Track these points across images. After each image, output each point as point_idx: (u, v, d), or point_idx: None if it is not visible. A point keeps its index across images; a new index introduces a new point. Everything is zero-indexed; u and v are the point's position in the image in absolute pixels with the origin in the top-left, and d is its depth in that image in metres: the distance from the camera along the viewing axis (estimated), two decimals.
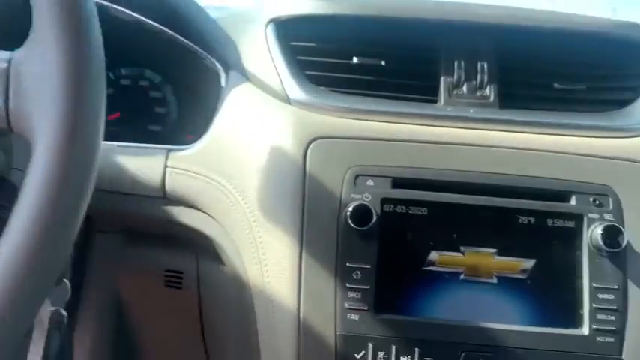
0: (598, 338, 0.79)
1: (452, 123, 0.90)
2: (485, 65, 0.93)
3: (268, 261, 0.84)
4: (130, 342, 1.09)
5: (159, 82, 1.18)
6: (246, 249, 0.87)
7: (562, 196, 0.84)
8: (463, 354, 0.79)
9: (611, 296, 0.80)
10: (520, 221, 0.83)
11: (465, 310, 0.82)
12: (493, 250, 0.83)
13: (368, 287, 0.81)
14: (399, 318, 0.80)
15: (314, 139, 0.86)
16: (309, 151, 0.86)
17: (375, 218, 0.81)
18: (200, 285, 0.98)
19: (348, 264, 0.81)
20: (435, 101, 0.93)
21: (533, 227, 0.83)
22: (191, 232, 0.95)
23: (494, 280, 0.82)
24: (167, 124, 1.18)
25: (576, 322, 0.81)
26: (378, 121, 0.89)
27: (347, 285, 0.81)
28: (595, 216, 0.82)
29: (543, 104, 0.93)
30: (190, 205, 0.94)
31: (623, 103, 0.94)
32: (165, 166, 0.93)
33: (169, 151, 0.94)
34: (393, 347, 0.79)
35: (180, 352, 1.10)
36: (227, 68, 1.00)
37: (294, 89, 0.92)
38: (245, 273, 0.88)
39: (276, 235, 0.84)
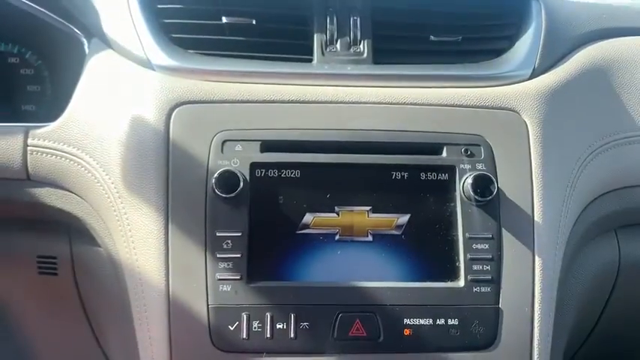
0: (474, 289, 0.79)
1: (325, 81, 0.87)
2: (359, 20, 0.90)
3: (135, 237, 0.79)
4: (13, 339, 1.02)
5: (29, 58, 1.10)
6: (114, 227, 0.82)
7: (434, 149, 0.83)
8: (340, 315, 0.77)
9: (486, 246, 0.80)
10: (394, 177, 0.82)
11: (340, 271, 0.79)
12: (367, 208, 0.81)
13: (239, 256, 0.77)
14: (273, 285, 0.78)
15: (177, 105, 0.82)
16: (172, 118, 0.81)
17: (242, 184, 0.77)
18: (75, 269, 0.92)
19: (217, 233, 0.78)
20: (310, 60, 0.90)
21: (407, 182, 0.81)
22: (60, 214, 0.89)
23: (370, 239, 0.80)
24: (43, 103, 1.10)
25: (453, 275, 0.80)
26: (248, 83, 0.85)
27: (217, 255, 0.77)
28: (467, 166, 0.81)
29: (419, 58, 0.91)
30: (57, 186, 0.88)
31: (500, 53, 0.93)
32: (26, 145, 0.86)
33: (29, 129, 0.87)
34: (268, 315, 0.76)
35: (69, 341, 1.04)
36: (89, 36, 0.93)
37: (158, 54, 0.86)
38: (117, 253, 0.83)
39: (141, 209, 0.79)
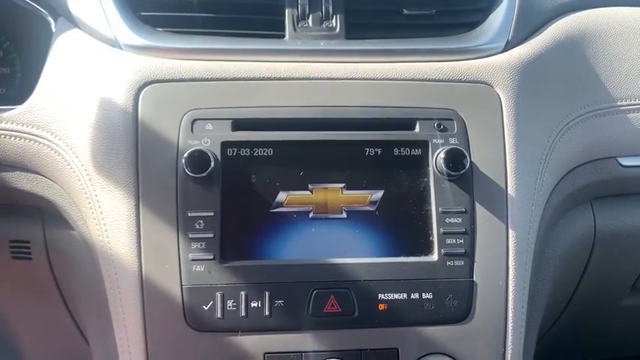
0: (448, 263, 0.79)
1: (298, 57, 0.85)
2: None
3: (107, 220, 0.78)
4: None
5: None
6: (85, 209, 0.81)
7: (407, 124, 0.82)
8: (315, 292, 0.77)
9: (459, 220, 0.80)
10: (367, 153, 0.81)
11: (315, 248, 0.79)
12: (341, 185, 0.80)
13: (212, 236, 0.77)
14: (246, 264, 0.77)
15: (146, 84, 0.80)
16: (140, 97, 0.80)
17: (213, 164, 0.76)
18: (50, 253, 0.92)
19: (189, 213, 0.77)
20: (282, 36, 0.88)
21: (380, 158, 0.81)
22: (32, 198, 0.88)
23: (344, 215, 0.80)
24: (13, 85, 1.08)
25: (426, 249, 0.80)
26: (218, 61, 0.83)
27: (190, 235, 0.77)
28: (439, 141, 0.81)
29: (392, 32, 0.90)
30: (27, 169, 0.86)
31: (474, 26, 0.92)
32: None
33: None
34: (242, 294, 0.76)
35: (47, 325, 1.04)
36: (55, 15, 0.91)
37: (125, 33, 0.84)
38: (90, 235, 0.82)
39: (111, 191, 0.78)
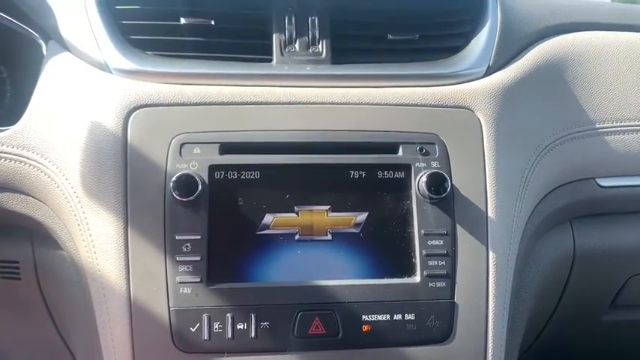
0: (430, 284, 0.81)
1: (285, 82, 0.87)
2: (317, 20, 0.91)
3: (95, 241, 0.80)
4: None
5: None
6: (75, 231, 0.82)
7: (391, 148, 0.84)
8: (300, 314, 0.79)
9: (440, 242, 0.82)
10: (352, 176, 0.83)
11: (300, 270, 0.81)
12: (327, 208, 0.82)
13: (199, 259, 0.78)
14: (233, 286, 0.79)
15: (135, 109, 0.82)
16: (130, 121, 0.81)
17: (200, 187, 0.78)
18: (39, 273, 0.93)
19: (176, 237, 0.78)
20: (269, 60, 0.90)
21: (365, 181, 0.83)
22: (22, 219, 0.89)
23: (329, 237, 0.82)
24: (3, 106, 1.09)
25: (409, 271, 0.82)
26: (207, 85, 0.85)
27: (177, 259, 0.78)
28: (422, 164, 0.83)
29: (377, 57, 0.92)
30: (17, 190, 0.87)
31: (456, 51, 0.95)
32: None
33: None
34: (229, 316, 0.78)
35: (36, 344, 1.04)
36: (46, 38, 0.93)
37: (115, 56, 0.86)
38: (79, 257, 0.84)
39: (100, 213, 0.80)
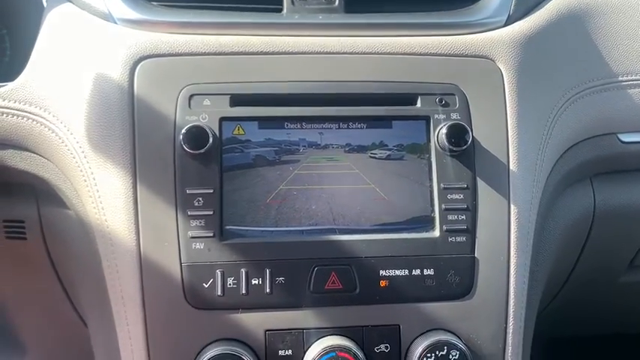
0: (450, 239, 0.79)
1: (296, 31, 0.84)
2: None
3: (103, 197, 0.77)
4: None
5: None
6: (81, 187, 0.80)
7: (409, 99, 0.81)
8: (316, 269, 0.76)
9: (460, 196, 0.79)
10: (368, 128, 0.80)
11: (317, 225, 0.78)
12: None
13: (211, 213, 0.76)
14: (247, 241, 0.76)
15: (141, 59, 0.78)
16: (136, 72, 0.78)
17: (211, 140, 0.75)
18: (45, 233, 0.90)
19: (187, 191, 0.76)
20: (280, 10, 0.87)
21: (382, 134, 0.80)
22: (26, 177, 0.86)
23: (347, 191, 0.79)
24: (2, 63, 1.05)
25: (428, 226, 0.79)
26: (215, 34, 0.82)
27: (188, 213, 0.76)
28: (441, 116, 0.80)
29: (392, 6, 0.88)
30: (20, 147, 0.84)
31: (475, 0, 0.91)
32: None
33: None
34: (243, 271, 0.75)
35: (42, 304, 1.02)
36: None
37: (120, 6, 0.82)
38: (86, 214, 0.81)
39: (107, 168, 0.77)
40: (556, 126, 0.86)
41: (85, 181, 0.78)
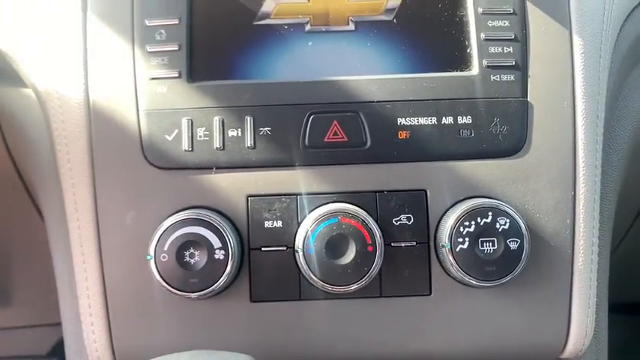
0: (492, 77, 0.59)
1: None
2: None
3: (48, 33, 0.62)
4: None
5: None
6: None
7: None
8: (312, 117, 0.58)
9: (505, 22, 0.60)
10: None
11: (312, 66, 0.61)
12: None
13: (176, 48, 0.59)
14: (222, 83, 0.59)
15: None
16: None
17: None
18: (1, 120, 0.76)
19: (147, 22, 0.60)
20: None
21: None
22: None
23: (351, 27, 0.61)
24: None
25: (462, 62, 0.60)
26: None
27: (148, 49, 0.59)
28: None
29: None
30: None
31: None
32: None
33: None
34: (217, 120, 0.58)
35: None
36: None
37: None
38: (35, 87, 0.66)
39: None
40: None
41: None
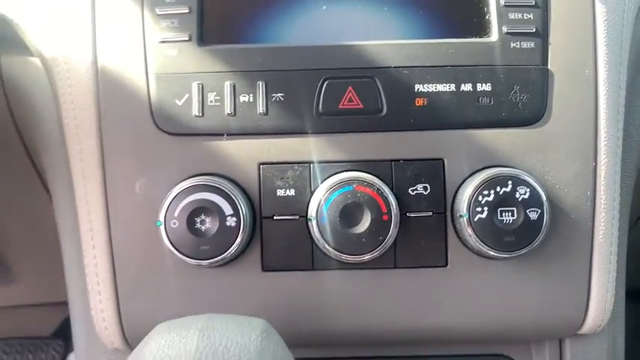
0: (512, 44, 0.57)
1: None
2: None
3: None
4: None
5: None
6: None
7: None
8: (326, 82, 0.56)
9: None
10: None
11: (327, 30, 0.59)
12: None
13: (187, 11, 0.57)
14: (233, 47, 0.57)
15: None
16: None
17: None
18: (5, 85, 0.74)
19: None
20: None
21: None
22: None
23: None
24: None
25: (481, 28, 0.58)
26: None
27: (157, 11, 0.57)
28: None
29: None
30: None
31: None
32: None
33: None
34: (228, 85, 0.56)
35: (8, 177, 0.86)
36: None
37: None
38: (41, 54, 0.64)
39: None
40: None
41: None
